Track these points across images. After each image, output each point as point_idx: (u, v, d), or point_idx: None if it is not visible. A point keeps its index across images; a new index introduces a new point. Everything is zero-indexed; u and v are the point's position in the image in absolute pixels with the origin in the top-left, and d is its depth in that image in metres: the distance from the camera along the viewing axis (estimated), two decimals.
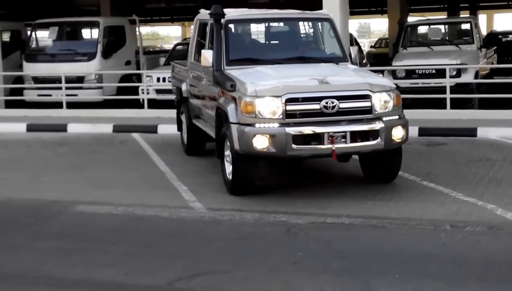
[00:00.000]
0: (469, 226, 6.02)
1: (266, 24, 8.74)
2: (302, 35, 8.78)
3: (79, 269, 5.20)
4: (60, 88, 13.94)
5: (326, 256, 5.31)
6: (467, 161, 8.94)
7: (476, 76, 13.19)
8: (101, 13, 18.79)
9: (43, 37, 15.33)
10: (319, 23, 8.60)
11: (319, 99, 6.95)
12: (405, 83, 12.97)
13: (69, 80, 14.06)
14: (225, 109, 7.26)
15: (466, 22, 14.71)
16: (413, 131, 10.92)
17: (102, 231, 6.24)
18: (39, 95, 14.54)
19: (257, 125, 6.88)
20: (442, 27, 15.17)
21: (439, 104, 12.41)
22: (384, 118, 7.10)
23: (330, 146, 6.89)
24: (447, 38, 14.88)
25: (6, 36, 16.36)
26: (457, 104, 12.43)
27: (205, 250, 5.61)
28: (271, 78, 7.27)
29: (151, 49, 23.57)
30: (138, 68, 15.10)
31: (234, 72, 7.57)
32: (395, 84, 12.76)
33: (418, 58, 13.29)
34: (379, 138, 7.03)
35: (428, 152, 9.74)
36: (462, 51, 13.70)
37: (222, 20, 7.94)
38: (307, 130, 6.87)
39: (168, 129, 11.67)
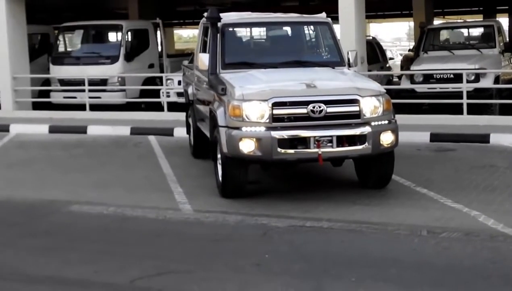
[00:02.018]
0: (446, 232, 5.99)
1: (263, 28, 8.83)
2: (299, 39, 8.81)
3: (53, 266, 5.40)
4: (85, 90, 14.33)
5: (291, 259, 5.37)
6: (469, 167, 8.83)
7: (497, 81, 12.94)
8: (129, 17, 19.17)
9: (69, 40, 15.76)
10: (317, 27, 8.64)
11: (306, 103, 7.01)
12: (423, 88, 12.86)
13: (93, 82, 14.43)
14: (215, 113, 7.39)
15: (489, 26, 14.45)
16: (425, 137, 10.89)
17: (87, 230, 6.44)
18: (64, 97, 14.96)
19: (244, 129, 6.98)
20: (464, 31, 14.95)
21: (458, 109, 12.25)
22: (373, 123, 7.09)
23: (316, 150, 6.94)
24: (468, 42, 14.65)
25: (35, 39, 16.88)
26: (476, 110, 12.24)
27: (177, 250, 5.75)
28: (261, 82, 7.36)
29: (185, 52, 23.86)
30: (162, 71, 15.36)
31: (227, 76, 7.69)
32: (413, 88, 12.97)
33: (437, 63, 13.13)
34: (366, 143, 7.04)
35: (434, 158, 9.66)
36: (483, 55, 13.48)
37: (219, 24, 8.08)
38: (293, 134, 6.93)
39: (184, 132, 11.81)
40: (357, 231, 6.14)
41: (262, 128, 6.95)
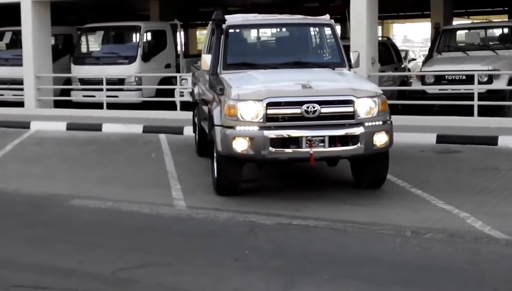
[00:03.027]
0: (430, 232, 6.04)
1: (266, 30, 8.95)
2: (301, 40, 8.92)
3: (43, 255, 5.61)
4: (103, 89, 14.65)
5: (270, 255, 5.49)
6: (471, 169, 8.83)
7: (511, 83, 12.81)
8: (150, 18, 19.47)
9: (90, 41, 16.11)
10: (320, 29, 8.73)
11: (300, 103, 7.11)
12: (434, 89, 12.82)
13: (111, 82, 14.74)
14: (212, 112, 7.55)
15: (505, 27, 14.31)
16: (431, 138, 10.88)
17: (83, 223, 6.66)
18: (84, 96, 15.30)
19: (237, 128, 7.12)
20: (479, 31, 14.82)
21: (470, 111, 12.19)
22: (366, 124, 7.16)
23: (308, 149, 7.04)
24: (484, 43, 14.52)
25: (59, 40, 17.29)
26: (489, 111, 12.16)
27: (163, 244, 5.91)
28: (258, 82, 7.49)
29: None
30: (179, 71, 15.58)
31: (227, 76, 7.85)
32: (423, 90, 12.93)
33: (450, 64, 13.05)
34: (359, 143, 7.12)
35: (436, 159, 9.66)
36: (498, 56, 13.35)
37: (223, 26, 8.25)
38: (285, 133, 7.05)
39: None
40: (341, 230, 6.22)
41: (256, 128, 7.08)
